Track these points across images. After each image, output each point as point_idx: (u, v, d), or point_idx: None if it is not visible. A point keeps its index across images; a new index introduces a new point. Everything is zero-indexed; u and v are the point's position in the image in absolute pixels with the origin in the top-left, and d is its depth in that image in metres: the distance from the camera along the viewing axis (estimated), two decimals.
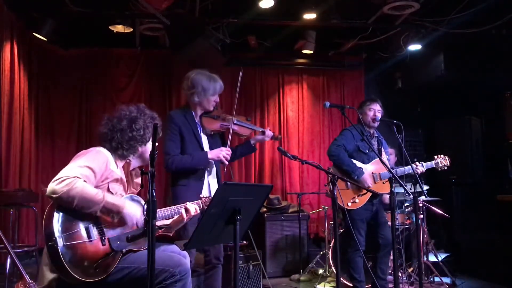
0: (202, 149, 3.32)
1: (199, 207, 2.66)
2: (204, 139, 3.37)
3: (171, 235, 2.72)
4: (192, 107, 3.36)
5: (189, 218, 2.61)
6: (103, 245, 2.29)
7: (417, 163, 4.00)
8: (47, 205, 2.24)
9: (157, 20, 4.99)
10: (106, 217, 2.30)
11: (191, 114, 3.34)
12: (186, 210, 2.58)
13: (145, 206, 1.98)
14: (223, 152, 3.24)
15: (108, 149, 2.47)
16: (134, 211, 2.37)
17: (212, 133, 3.39)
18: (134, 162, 2.60)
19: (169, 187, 3.39)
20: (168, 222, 2.64)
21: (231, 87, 6.21)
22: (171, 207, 2.60)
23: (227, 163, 3.27)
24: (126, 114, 2.51)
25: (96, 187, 2.30)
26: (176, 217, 2.61)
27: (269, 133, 3.46)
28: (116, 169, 2.46)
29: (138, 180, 2.66)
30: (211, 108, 3.38)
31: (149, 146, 2.58)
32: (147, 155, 2.56)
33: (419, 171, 3.94)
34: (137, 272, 2.33)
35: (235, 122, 3.37)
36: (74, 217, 2.22)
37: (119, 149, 2.47)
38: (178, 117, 3.30)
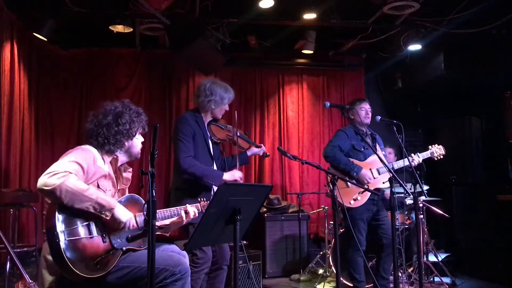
0: (211, 155, 3.39)
1: (198, 210, 2.70)
2: (211, 146, 3.43)
3: (167, 235, 2.74)
4: (202, 113, 3.43)
5: (188, 221, 2.65)
6: (104, 242, 2.30)
7: (413, 154, 4.03)
8: (47, 205, 2.25)
9: (157, 20, 4.99)
10: (98, 214, 2.28)
11: (202, 120, 3.42)
12: (186, 212, 2.62)
13: (145, 206, 1.99)
14: (237, 175, 3.35)
15: (95, 146, 2.48)
16: (124, 213, 2.36)
17: (219, 141, 3.49)
18: (122, 158, 2.61)
19: (173, 188, 3.40)
20: (167, 222, 2.66)
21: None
22: (171, 208, 2.63)
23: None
24: (111, 109, 2.53)
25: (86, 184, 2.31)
26: (175, 218, 2.63)
27: (263, 148, 3.67)
28: (103, 165, 2.47)
29: (127, 175, 2.68)
30: (220, 117, 3.51)
31: (135, 141, 2.60)
32: (134, 149, 2.61)
33: (415, 163, 3.97)
34: (137, 271, 2.34)
35: (238, 135, 3.51)
36: (75, 214, 2.23)
37: (106, 144, 2.48)
38: (192, 120, 3.35)
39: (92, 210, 2.25)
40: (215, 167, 3.42)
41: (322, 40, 5.81)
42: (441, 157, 4.18)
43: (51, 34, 5.01)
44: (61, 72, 5.94)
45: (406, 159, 3.78)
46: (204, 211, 2.72)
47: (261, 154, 3.66)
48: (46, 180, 2.13)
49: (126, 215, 2.36)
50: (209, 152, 3.39)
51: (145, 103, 5.99)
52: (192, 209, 2.65)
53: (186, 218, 2.61)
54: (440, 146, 4.19)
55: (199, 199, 2.81)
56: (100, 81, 6.07)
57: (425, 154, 4.13)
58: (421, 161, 4.05)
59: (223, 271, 3.40)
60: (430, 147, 4.19)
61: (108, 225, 2.35)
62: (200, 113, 3.43)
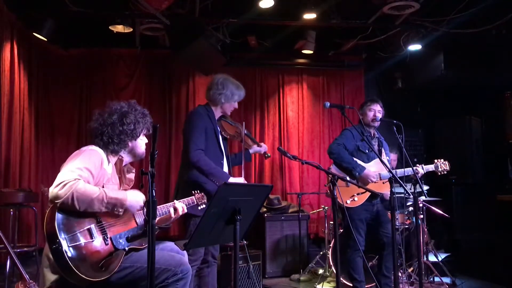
0: (221, 150, 3.41)
1: (193, 202, 2.72)
2: (221, 141, 3.45)
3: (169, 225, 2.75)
4: (213, 107, 3.47)
5: (177, 217, 2.65)
6: (106, 244, 2.30)
7: (417, 165, 4.01)
8: (47, 205, 2.24)
9: (157, 20, 4.99)
10: (111, 212, 2.32)
11: (213, 114, 3.45)
12: (175, 209, 2.63)
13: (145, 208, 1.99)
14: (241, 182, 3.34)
15: (100, 146, 2.48)
16: (136, 197, 2.40)
17: (228, 137, 3.53)
18: (126, 158, 2.61)
19: (181, 182, 3.39)
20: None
21: None
22: (159, 206, 2.60)
23: None
24: (117, 109, 2.53)
25: None
26: (164, 216, 2.64)
27: (265, 146, 3.72)
28: (107, 167, 2.47)
29: (131, 176, 2.68)
30: (229, 113, 3.56)
31: (139, 141, 2.60)
32: (138, 150, 2.61)
33: (418, 173, 3.94)
34: (139, 271, 2.34)
35: (245, 133, 3.59)
36: (75, 218, 2.23)
37: (110, 144, 2.48)
38: (204, 114, 3.38)
39: (104, 210, 2.28)
40: (225, 161, 3.43)
41: (322, 40, 5.81)
42: (445, 172, 4.10)
43: (51, 34, 5.01)
44: (61, 72, 5.94)
45: (409, 169, 3.75)
46: (199, 203, 2.77)
47: (262, 152, 3.70)
48: (57, 192, 2.14)
49: (136, 205, 2.40)
50: (219, 147, 3.41)
51: (145, 103, 5.98)
52: (180, 205, 2.65)
53: (175, 214, 2.62)
54: (446, 162, 4.10)
55: (192, 191, 2.81)
56: (100, 81, 6.07)
57: (429, 167, 4.07)
58: (423, 173, 4.03)
59: (213, 267, 3.44)
60: (435, 161, 4.11)
61: (114, 223, 2.37)
62: (210, 107, 3.46)
